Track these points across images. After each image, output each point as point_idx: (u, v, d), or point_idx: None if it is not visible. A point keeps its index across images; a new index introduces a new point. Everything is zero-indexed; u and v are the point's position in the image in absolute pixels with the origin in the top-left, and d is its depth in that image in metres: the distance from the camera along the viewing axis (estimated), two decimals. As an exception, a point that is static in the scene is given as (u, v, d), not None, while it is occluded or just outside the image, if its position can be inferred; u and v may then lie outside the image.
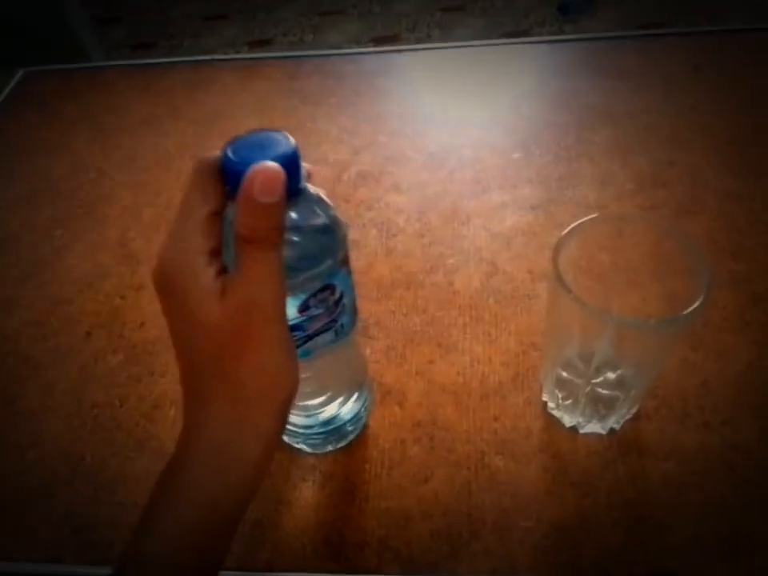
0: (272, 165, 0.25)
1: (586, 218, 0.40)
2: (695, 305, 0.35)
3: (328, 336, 0.35)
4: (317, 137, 0.70)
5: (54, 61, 0.88)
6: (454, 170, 0.66)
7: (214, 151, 0.28)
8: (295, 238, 0.30)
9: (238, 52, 2.09)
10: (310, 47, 2.09)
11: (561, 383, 0.45)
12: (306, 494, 0.44)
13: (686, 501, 0.41)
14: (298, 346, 0.33)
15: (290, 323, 0.31)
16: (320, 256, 0.31)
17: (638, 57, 0.77)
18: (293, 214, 0.29)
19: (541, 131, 0.69)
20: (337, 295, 0.34)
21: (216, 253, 0.28)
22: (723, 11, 2.02)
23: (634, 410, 0.45)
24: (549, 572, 0.39)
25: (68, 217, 0.66)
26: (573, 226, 0.39)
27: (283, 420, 0.30)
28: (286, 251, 0.28)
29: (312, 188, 0.30)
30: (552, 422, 0.46)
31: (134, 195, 0.67)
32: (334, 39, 2.12)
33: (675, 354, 0.46)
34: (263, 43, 2.14)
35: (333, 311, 0.34)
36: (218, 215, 0.28)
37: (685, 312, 0.35)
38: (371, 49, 0.84)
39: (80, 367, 0.53)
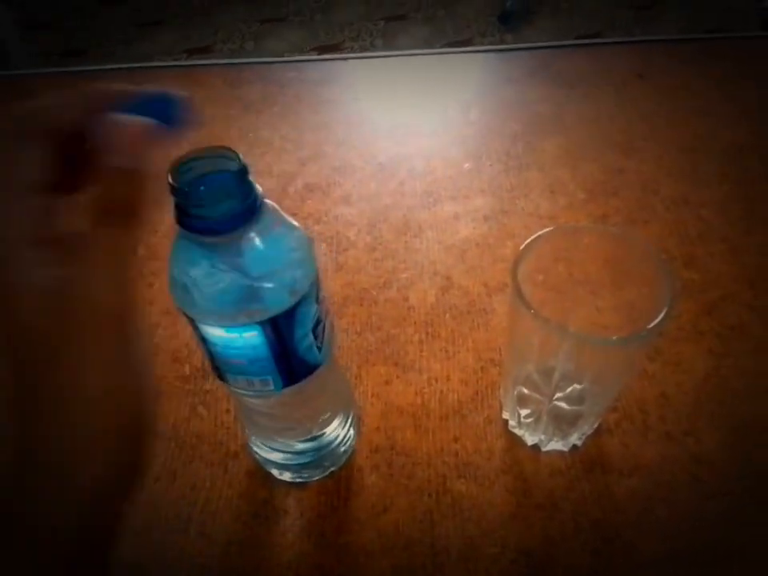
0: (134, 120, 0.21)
1: (542, 231, 0.38)
2: (658, 318, 0.34)
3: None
4: (260, 147, 0.67)
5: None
6: (404, 181, 0.64)
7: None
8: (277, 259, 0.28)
9: (175, 60, 2.03)
10: (251, 55, 2.05)
11: (522, 400, 0.43)
12: (258, 532, 0.40)
13: (652, 517, 0.40)
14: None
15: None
16: (309, 268, 0.30)
17: (585, 65, 0.77)
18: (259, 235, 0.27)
19: (491, 141, 0.68)
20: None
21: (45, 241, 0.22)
22: (657, 21, 2.09)
23: (595, 426, 0.44)
24: (518, 602, 0.38)
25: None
26: (530, 239, 0.38)
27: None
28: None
29: (269, 203, 0.28)
30: (514, 441, 0.45)
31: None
32: (275, 47, 2.08)
33: (637, 368, 0.45)
34: (202, 50, 2.07)
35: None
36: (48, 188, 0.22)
37: (649, 326, 0.34)
38: (315, 57, 0.81)
39: None
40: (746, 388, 0.46)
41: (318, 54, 2.03)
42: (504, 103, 0.73)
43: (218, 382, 0.34)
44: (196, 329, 0.29)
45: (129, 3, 2.29)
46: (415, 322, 0.51)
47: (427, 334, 0.51)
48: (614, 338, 0.35)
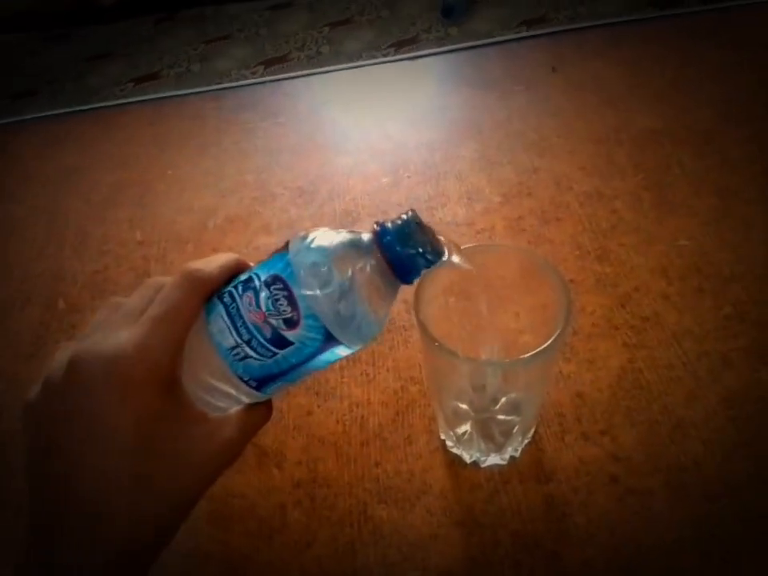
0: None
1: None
2: (549, 341, 0.34)
3: None
4: (179, 184, 0.67)
5: None
6: (323, 204, 0.64)
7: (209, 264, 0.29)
8: None
9: (122, 90, 2.02)
10: (198, 77, 2.04)
11: (456, 417, 0.43)
12: (181, 582, 0.41)
13: (571, 523, 0.41)
14: None
15: None
16: None
17: (502, 64, 0.77)
18: None
19: (408, 152, 0.68)
20: None
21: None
22: (602, 0, 2.10)
23: (531, 434, 0.44)
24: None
25: None
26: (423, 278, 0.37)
27: None
28: None
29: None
30: (444, 460, 0.44)
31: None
32: (221, 66, 2.07)
33: (553, 374, 0.46)
34: (149, 78, 2.07)
35: None
36: None
37: (542, 347, 0.34)
38: (233, 84, 0.81)
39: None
40: (660, 380, 0.46)
41: (265, 68, 2.03)
42: (422, 112, 0.74)
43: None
44: (313, 355, 0.30)
45: (74, 38, 2.27)
46: (335, 348, 0.51)
47: (347, 357, 0.51)
48: (519, 359, 0.34)
